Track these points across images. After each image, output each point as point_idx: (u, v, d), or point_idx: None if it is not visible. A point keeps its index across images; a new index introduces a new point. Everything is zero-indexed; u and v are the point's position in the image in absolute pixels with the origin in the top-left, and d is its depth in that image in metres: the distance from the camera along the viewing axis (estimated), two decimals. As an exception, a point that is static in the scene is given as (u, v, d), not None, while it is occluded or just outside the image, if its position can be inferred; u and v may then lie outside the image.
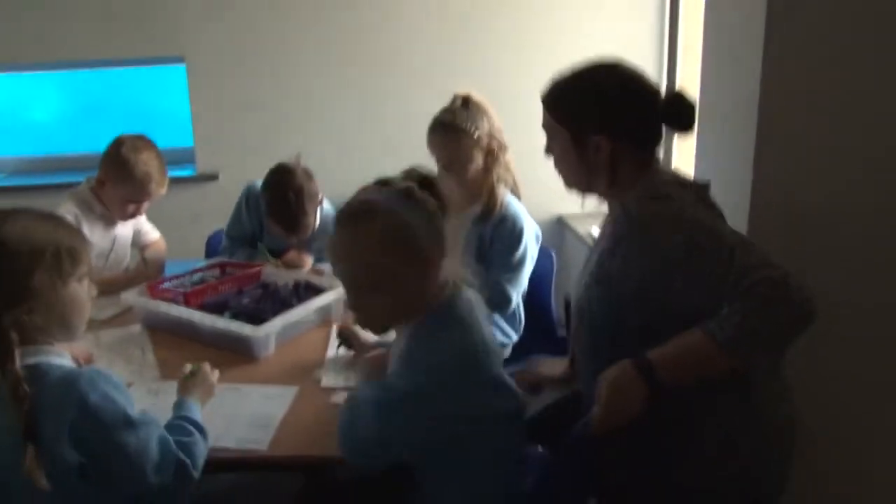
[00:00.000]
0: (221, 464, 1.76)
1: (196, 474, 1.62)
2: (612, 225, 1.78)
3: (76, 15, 3.99)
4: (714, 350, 1.51)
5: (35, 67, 4.35)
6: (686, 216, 1.63)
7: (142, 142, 2.92)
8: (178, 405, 1.78)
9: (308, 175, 2.93)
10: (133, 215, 3.00)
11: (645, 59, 3.94)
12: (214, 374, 1.95)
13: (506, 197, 2.73)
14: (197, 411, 1.77)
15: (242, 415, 1.92)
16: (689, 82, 3.78)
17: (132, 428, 1.50)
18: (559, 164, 1.84)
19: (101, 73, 4.47)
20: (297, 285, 2.67)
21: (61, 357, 1.56)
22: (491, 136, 2.66)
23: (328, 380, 2.13)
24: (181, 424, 1.69)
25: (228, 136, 4.06)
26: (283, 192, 2.85)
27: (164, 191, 2.96)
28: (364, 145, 4.08)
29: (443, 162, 2.68)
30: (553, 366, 2.17)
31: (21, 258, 1.47)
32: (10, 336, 1.45)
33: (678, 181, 1.76)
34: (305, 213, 2.88)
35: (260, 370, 2.20)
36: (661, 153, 1.86)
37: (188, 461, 1.60)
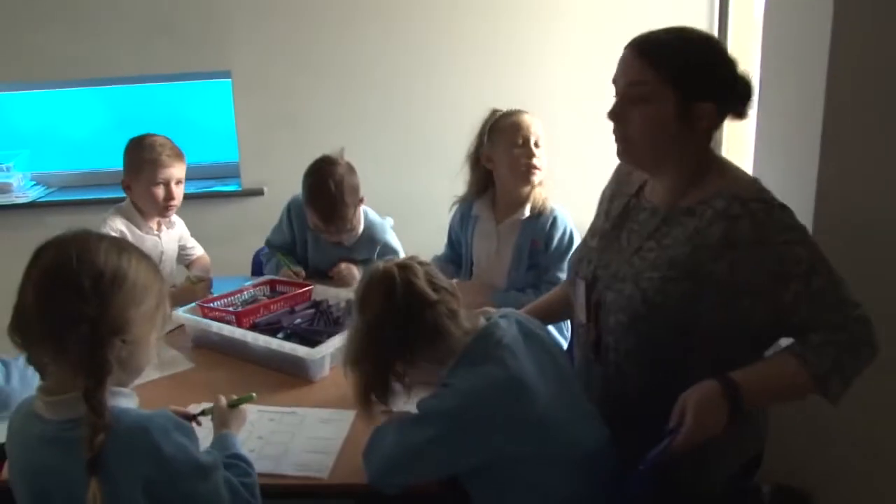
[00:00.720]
0: (279, 491, 1.72)
1: None
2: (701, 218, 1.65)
3: (124, 31, 4.02)
4: (805, 381, 1.51)
5: (83, 83, 4.37)
6: (804, 229, 1.60)
7: (148, 134, 3.00)
8: (223, 440, 1.71)
9: (350, 168, 2.96)
10: (167, 202, 2.97)
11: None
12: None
13: (553, 207, 2.73)
14: (240, 445, 1.72)
15: (300, 439, 1.88)
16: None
17: (204, 475, 1.46)
18: (645, 132, 1.65)
19: (149, 88, 4.49)
20: (348, 304, 2.63)
21: (129, 399, 1.50)
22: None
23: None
24: (237, 464, 1.63)
25: (273, 151, 4.06)
26: (324, 179, 2.88)
27: (181, 165, 3.00)
28: (409, 162, 4.05)
29: (534, 139, 2.65)
30: None
31: (133, 290, 1.43)
32: (109, 363, 1.38)
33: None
34: (345, 204, 2.89)
35: (315, 392, 2.17)
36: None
37: (253, 501, 1.57)
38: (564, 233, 2.71)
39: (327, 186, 2.87)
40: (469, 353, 1.65)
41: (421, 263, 1.71)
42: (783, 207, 1.60)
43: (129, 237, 2.83)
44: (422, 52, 4.02)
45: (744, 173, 1.73)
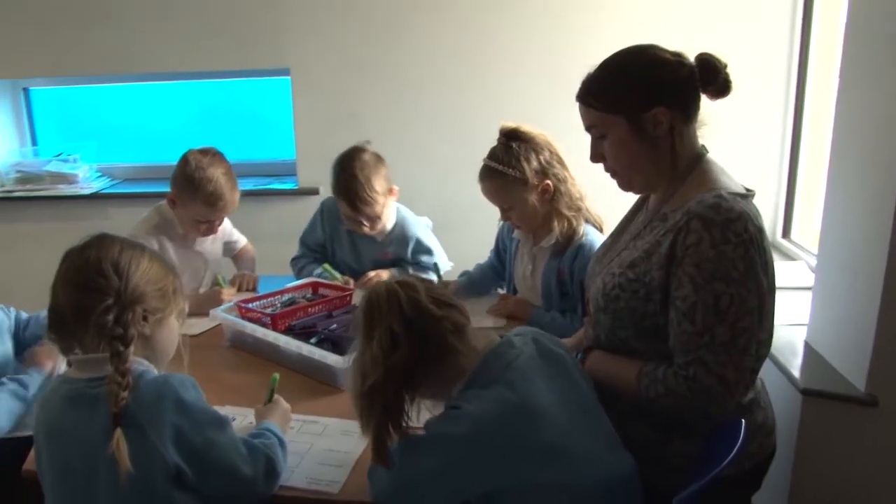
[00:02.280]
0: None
1: (281, 472, 1.68)
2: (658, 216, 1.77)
3: (187, 28, 4.07)
4: (635, 393, 1.69)
5: (147, 78, 4.44)
6: (750, 231, 1.60)
7: (208, 158, 2.84)
8: (260, 424, 1.83)
9: (378, 157, 2.94)
10: (206, 234, 2.96)
11: (771, 70, 3.73)
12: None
13: (581, 226, 2.57)
14: (276, 427, 1.79)
15: (317, 451, 1.84)
16: (820, 95, 3.57)
17: (222, 426, 1.58)
18: (618, 159, 1.79)
19: (211, 84, 4.53)
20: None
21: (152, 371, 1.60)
22: (543, 172, 2.50)
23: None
24: (260, 431, 1.75)
25: (330, 150, 4.03)
26: (351, 166, 2.88)
27: (234, 206, 2.91)
28: (458, 166, 3.94)
29: (498, 206, 2.58)
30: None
31: (149, 272, 1.61)
32: (131, 328, 1.53)
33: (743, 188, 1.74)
34: (373, 190, 2.86)
35: (342, 401, 2.08)
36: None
37: (273, 457, 1.66)
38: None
39: (354, 172, 2.85)
40: (478, 374, 1.59)
41: (422, 280, 1.66)
42: (728, 224, 1.59)
43: (168, 242, 2.86)
44: (477, 54, 3.95)
45: (714, 182, 1.72)
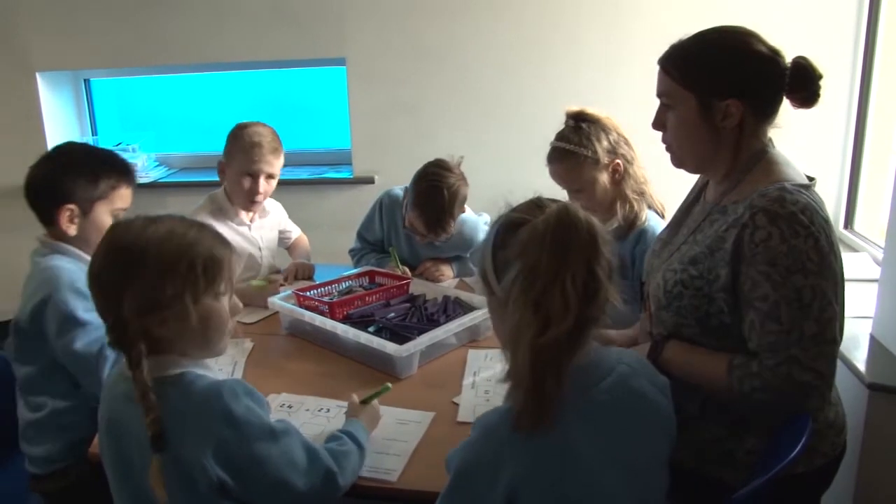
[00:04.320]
0: (349, 491, 1.67)
1: (343, 483, 1.60)
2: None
3: (243, 18, 4.12)
4: (722, 386, 1.62)
5: (204, 68, 4.49)
6: (817, 221, 1.57)
7: (255, 122, 2.94)
8: (347, 423, 1.80)
9: (464, 179, 2.86)
10: (252, 195, 2.93)
11: (835, 57, 3.65)
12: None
13: (644, 211, 2.54)
14: (361, 430, 1.76)
15: (375, 439, 1.83)
16: (887, 95, 3.48)
17: (274, 439, 1.48)
18: (677, 135, 1.77)
19: (267, 74, 4.57)
20: (445, 301, 2.58)
21: (205, 368, 1.54)
22: (613, 151, 2.48)
23: (464, 413, 1.96)
24: (338, 435, 1.70)
25: (385, 140, 4.06)
26: (438, 186, 2.78)
27: (277, 163, 2.94)
28: (518, 156, 3.95)
29: (567, 189, 2.54)
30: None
31: (157, 267, 1.43)
32: (139, 345, 1.42)
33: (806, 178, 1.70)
34: (452, 215, 2.82)
35: (399, 390, 2.09)
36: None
37: (336, 469, 1.58)
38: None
39: (441, 196, 2.76)
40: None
41: None
42: (794, 217, 1.55)
43: (221, 227, 2.84)
44: (535, 43, 3.95)
45: (779, 174, 1.68)
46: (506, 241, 1.33)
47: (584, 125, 2.48)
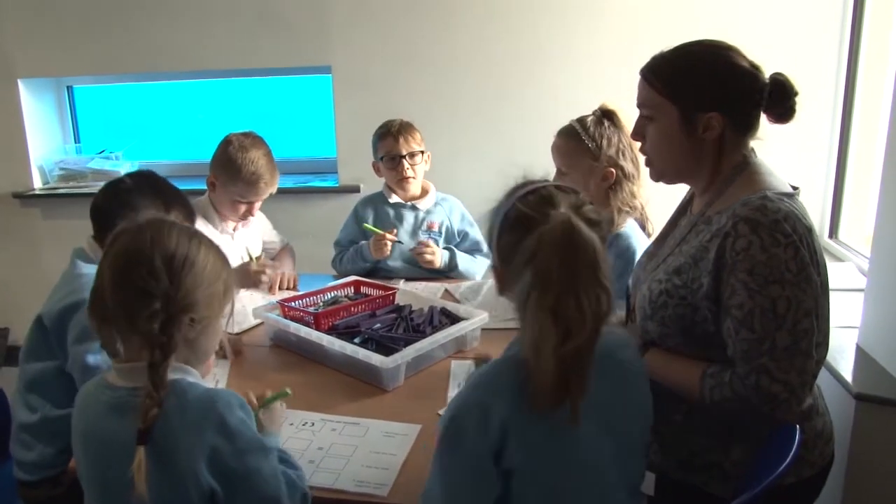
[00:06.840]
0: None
1: None
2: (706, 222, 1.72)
3: (228, 26, 4.11)
4: (696, 394, 1.63)
5: (187, 76, 4.47)
6: (799, 230, 1.57)
7: (249, 139, 2.91)
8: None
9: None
10: (245, 217, 2.98)
11: (819, 66, 3.67)
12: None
13: (625, 225, 2.53)
14: (279, 442, 1.74)
15: (362, 453, 1.82)
16: (870, 105, 3.50)
17: (265, 453, 1.49)
18: (657, 146, 1.79)
19: (251, 82, 4.56)
20: (431, 311, 2.57)
21: (195, 378, 1.53)
22: (614, 161, 2.49)
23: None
24: (286, 458, 1.65)
25: (370, 148, 4.04)
26: (390, 121, 3.18)
27: (274, 189, 2.95)
28: (505, 161, 3.92)
29: (557, 166, 2.57)
30: None
31: (203, 273, 1.48)
32: (175, 339, 1.44)
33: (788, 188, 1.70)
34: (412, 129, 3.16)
35: (385, 402, 2.09)
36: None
37: (308, 492, 1.59)
38: (620, 256, 2.44)
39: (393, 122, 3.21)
40: None
41: None
42: (776, 226, 1.55)
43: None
44: (521, 50, 3.95)
45: (762, 184, 1.69)
46: (512, 233, 1.37)
47: (606, 122, 2.52)
